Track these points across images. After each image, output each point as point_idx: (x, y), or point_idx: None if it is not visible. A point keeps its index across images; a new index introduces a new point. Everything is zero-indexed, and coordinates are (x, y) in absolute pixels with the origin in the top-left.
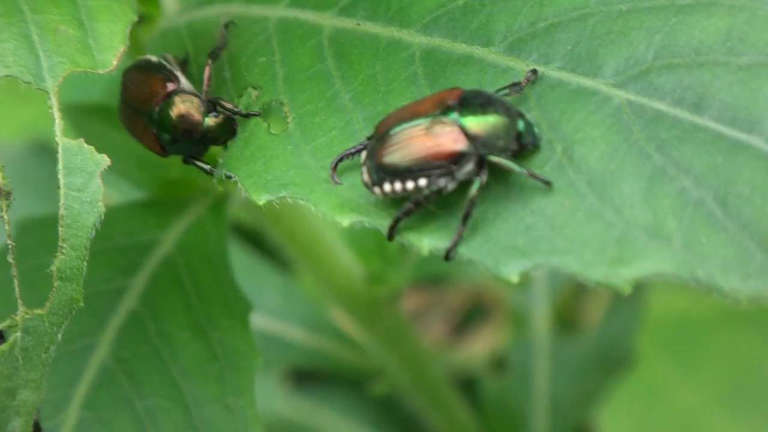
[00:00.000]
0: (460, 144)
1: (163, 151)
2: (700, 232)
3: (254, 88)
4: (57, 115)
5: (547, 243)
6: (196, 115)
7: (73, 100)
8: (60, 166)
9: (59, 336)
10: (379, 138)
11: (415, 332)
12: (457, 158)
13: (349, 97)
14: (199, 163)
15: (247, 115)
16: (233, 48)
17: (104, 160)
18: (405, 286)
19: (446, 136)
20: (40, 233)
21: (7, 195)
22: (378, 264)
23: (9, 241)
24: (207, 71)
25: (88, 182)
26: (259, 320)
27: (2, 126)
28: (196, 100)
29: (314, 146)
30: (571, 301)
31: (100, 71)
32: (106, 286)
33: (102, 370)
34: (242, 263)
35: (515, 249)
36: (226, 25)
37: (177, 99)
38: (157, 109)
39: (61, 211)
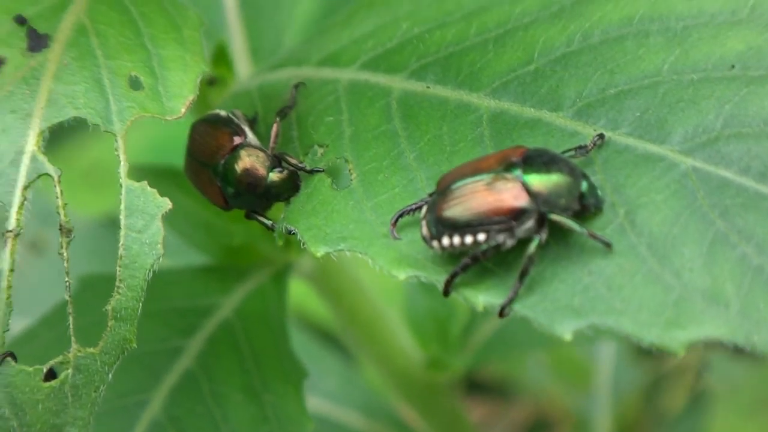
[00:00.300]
0: (521, 200)
1: (226, 204)
2: (758, 298)
3: (320, 145)
4: (122, 157)
5: (603, 303)
6: (261, 170)
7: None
8: (122, 207)
9: (110, 376)
10: (441, 192)
11: (471, 423)
12: (518, 214)
13: (414, 156)
14: (261, 218)
15: (311, 172)
16: (302, 108)
17: (166, 204)
18: (464, 384)
19: (508, 192)
20: (98, 288)
21: (68, 233)
22: (437, 349)
23: (66, 278)
24: (274, 128)
25: (149, 224)
26: (316, 403)
27: (78, 213)
28: (261, 154)
29: (376, 202)
30: (634, 412)
31: (168, 118)
32: (163, 345)
33: (153, 426)
34: (304, 348)
35: (571, 308)
36: (297, 86)
37: (243, 153)
38: (222, 161)
39: (120, 251)
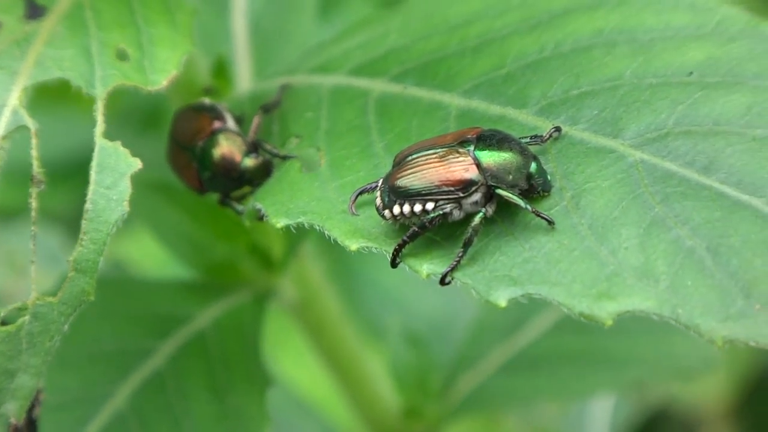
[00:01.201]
0: (470, 173)
1: (201, 188)
2: (687, 276)
3: (296, 137)
4: (100, 119)
5: (540, 275)
6: (237, 154)
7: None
8: (93, 163)
9: (65, 327)
10: (397, 164)
11: None
12: (466, 186)
13: (383, 145)
14: (234, 204)
15: (284, 158)
16: (285, 108)
17: (136, 164)
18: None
19: (458, 164)
20: None
21: (39, 183)
22: (416, 397)
23: (32, 228)
24: (255, 120)
25: (118, 182)
26: None
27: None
28: (239, 139)
29: (340, 183)
30: None
31: (150, 88)
32: (136, 345)
33: (115, 416)
34: (288, 396)
35: (509, 278)
36: (283, 87)
37: (221, 137)
38: (200, 144)
39: (87, 206)
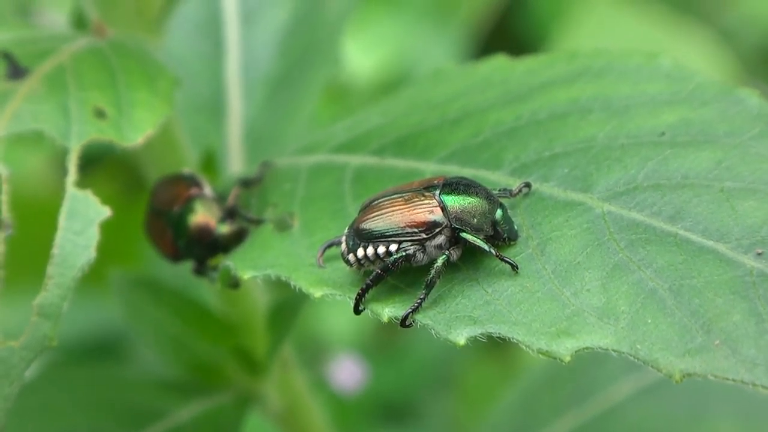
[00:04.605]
0: (434, 214)
1: (176, 255)
2: (647, 314)
3: (273, 205)
4: (72, 168)
5: (500, 315)
6: (212, 220)
7: None
8: (63, 209)
9: (26, 373)
10: (363, 209)
11: None
12: (430, 227)
13: (354, 207)
14: (208, 272)
15: (258, 222)
16: (266, 183)
17: (106, 211)
18: None
19: (423, 207)
20: None
21: (7, 227)
22: None
23: (0, 271)
24: (233, 191)
25: (87, 228)
26: None
27: None
28: (214, 205)
29: (311, 241)
30: None
31: (124, 144)
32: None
33: None
34: None
35: (469, 318)
36: (264, 164)
37: (197, 203)
38: (176, 209)
39: (54, 251)
